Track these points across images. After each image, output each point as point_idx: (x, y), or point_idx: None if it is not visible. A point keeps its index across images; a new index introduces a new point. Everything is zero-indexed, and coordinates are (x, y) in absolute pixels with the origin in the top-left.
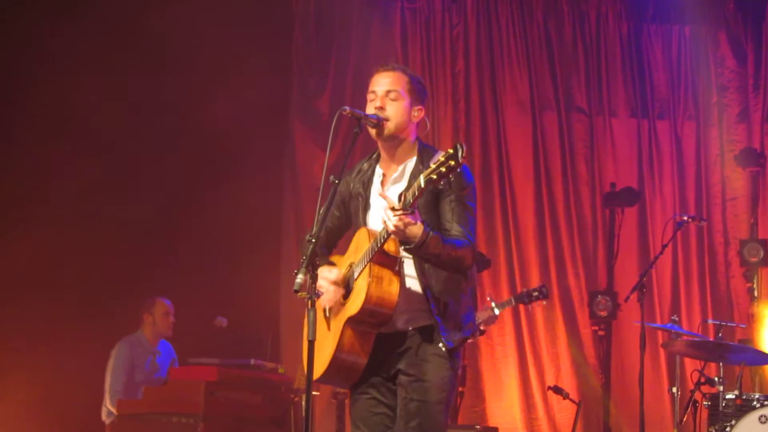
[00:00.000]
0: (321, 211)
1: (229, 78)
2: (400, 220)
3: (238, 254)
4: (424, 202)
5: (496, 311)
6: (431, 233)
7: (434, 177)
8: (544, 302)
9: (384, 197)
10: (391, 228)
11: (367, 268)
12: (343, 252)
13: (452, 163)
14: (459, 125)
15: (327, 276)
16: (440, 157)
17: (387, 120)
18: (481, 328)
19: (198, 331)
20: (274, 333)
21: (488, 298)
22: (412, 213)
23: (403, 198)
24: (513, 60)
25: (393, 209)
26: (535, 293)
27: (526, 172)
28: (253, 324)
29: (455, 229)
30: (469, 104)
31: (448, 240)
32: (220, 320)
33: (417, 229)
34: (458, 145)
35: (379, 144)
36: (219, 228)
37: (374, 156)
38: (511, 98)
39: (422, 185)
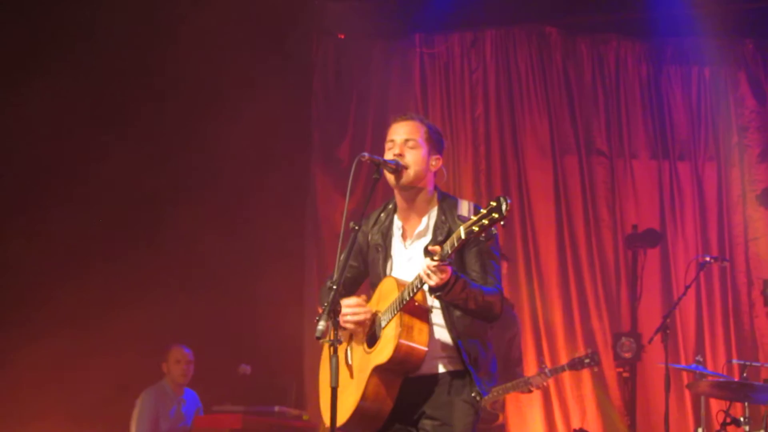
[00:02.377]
0: (341, 258)
1: (249, 124)
2: (440, 271)
3: (260, 301)
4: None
5: (549, 376)
6: (458, 276)
7: (476, 229)
8: (595, 369)
9: (433, 250)
10: (430, 280)
11: (397, 318)
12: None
13: (495, 216)
14: (479, 169)
15: (350, 302)
16: (482, 210)
17: (406, 167)
18: (531, 389)
19: (222, 379)
20: (298, 380)
21: (543, 365)
22: (450, 264)
23: (440, 249)
24: (533, 103)
25: (432, 259)
26: (587, 360)
27: (547, 215)
28: (277, 371)
29: (483, 279)
30: (490, 148)
31: (475, 285)
32: (243, 368)
33: (447, 275)
34: (502, 198)
35: (397, 193)
36: (241, 275)
37: (390, 206)
38: (531, 142)
39: (462, 237)
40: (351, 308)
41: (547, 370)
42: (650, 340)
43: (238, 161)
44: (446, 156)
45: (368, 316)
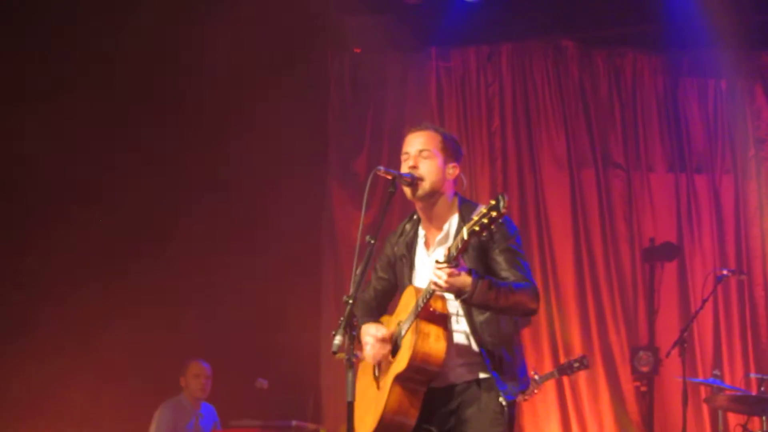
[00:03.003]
0: (357, 272)
1: (265, 138)
2: (446, 273)
3: (278, 315)
4: (473, 257)
5: (539, 383)
6: (481, 279)
7: (477, 228)
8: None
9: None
10: (440, 283)
11: (413, 325)
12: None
13: (494, 213)
14: (496, 183)
15: (374, 333)
16: (482, 209)
17: (421, 179)
18: (524, 398)
19: (239, 393)
20: (315, 394)
21: (532, 371)
22: (456, 266)
23: (447, 252)
24: (549, 117)
25: (437, 262)
26: (576, 364)
27: (564, 228)
28: (294, 385)
29: (513, 276)
30: (506, 162)
31: (503, 283)
32: (260, 382)
33: (465, 278)
34: (500, 196)
35: (417, 205)
36: (259, 289)
37: (415, 217)
38: (548, 155)
39: (465, 237)
40: (372, 338)
41: (537, 377)
42: (668, 354)
43: (255, 175)
44: (462, 168)
45: (384, 352)
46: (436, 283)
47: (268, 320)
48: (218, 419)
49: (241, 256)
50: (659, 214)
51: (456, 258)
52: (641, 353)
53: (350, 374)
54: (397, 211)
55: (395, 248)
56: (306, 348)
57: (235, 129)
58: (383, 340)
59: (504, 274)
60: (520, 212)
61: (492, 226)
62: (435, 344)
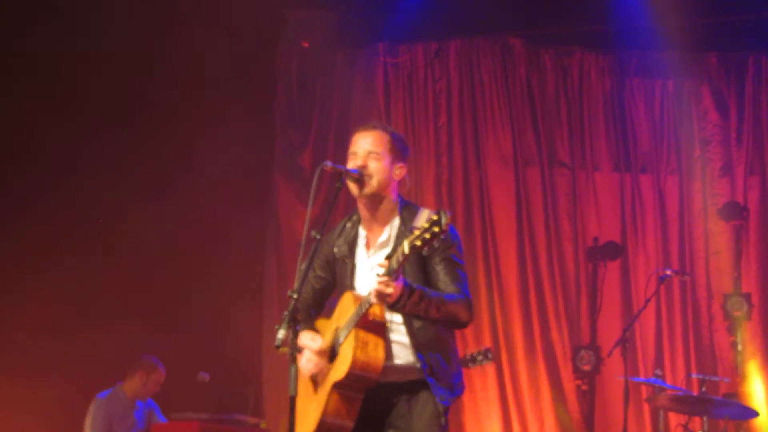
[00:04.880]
0: (302, 267)
1: (211, 132)
2: (386, 286)
3: (220, 309)
4: (413, 262)
5: None
6: (413, 290)
7: (418, 243)
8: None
9: (381, 266)
10: (381, 292)
11: (352, 333)
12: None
13: (436, 229)
14: (442, 179)
15: (310, 345)
16: (424, 222)
17: (369, 176)
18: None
19: (181, 387)
20: (256, 388)
21: None
22: (396, 278)
23: (387, 264)
24: (496, 114)
25: (378, 276)
26: (480, 357)
27: (509, 226)
28: (236, 379)
29: (448, 288)
30: (452, 159)
31: (435, 294)
32: (202, 375)
33: (398, 291)
34: (441, 212)
35: (360, 203)
36: (202, 283)
37: (355, 216)
38: (494, 152)
39: (406, 251)
40: (308, 353)
41: None
42: (610, 353)
43: (198, 169)
44: (408, 167)
45: (319, 368)
46: (376, 295)
47: (210, 313)
48: (157, 407)
49: (184, 249)
50: (604, 213)
51: (396, 271)
52: (583, 352)
53: (293, 368)
54: (342, 207)
55: (336, 248)
56: (248, 342)
57: (180, 124)
58: (320, 353)
59: (440, 285)
60: (465, 209)
61: (434, 242)
62: (373, 353)
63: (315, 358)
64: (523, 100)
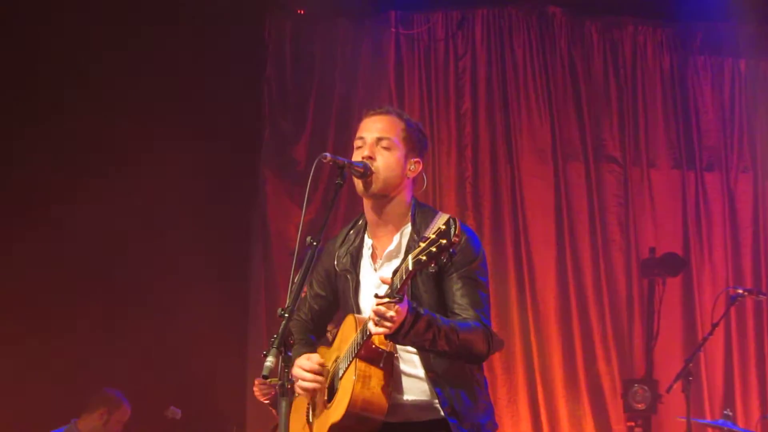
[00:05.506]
0: (296, 280)
1: (189, 114)
2: (387, 310)
3: (196, 330)
4: (426, 280)
5: None
6: (419, 314)
7: (423, 258)
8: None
9: (384, 280)
10: (381, 322)
11: (352, 366)
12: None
13: (443, 242)
14: (465, 177)
15: (303, 364)
16: (431, 233)
17: (378, 171)
18: None
19: (147, 425)
20: (238, 427)
21: None
22: (400, 301)
23: (390, 284)
24: (531, 98)
25: (377, 296)
26: None
27: (546, 234)
28: (214, 415)
29: (466, 312)
30: (478, 152)
31: (446, 321)
32: (173, 411)
33: (401, 317)
34: (451, 221)
35: (366, 205)
36: (174, 298)
37: (360, 222)
38: (528, 145)
39: (410, 268)
40: (305, 371)
41: None
42: (669, 389)
43: (170, 159)
44: (426, 161)
45: (315, 386)
46: (375, 322)
47: (184, 336)
48: None
49: (152, 258)
50: (662, 219)
51: (400, 290)
52: (636, 387)
53: (284, 403)
54: (344, 210)
55: (337, 261)
56: (229, 371)
57: (151, 105)
58: (314, 371)
59: (456, 308)
60: (493, 213)
61: (441, 257)
62: (377, 389)
63: (309, 376)
64: (564, 81)
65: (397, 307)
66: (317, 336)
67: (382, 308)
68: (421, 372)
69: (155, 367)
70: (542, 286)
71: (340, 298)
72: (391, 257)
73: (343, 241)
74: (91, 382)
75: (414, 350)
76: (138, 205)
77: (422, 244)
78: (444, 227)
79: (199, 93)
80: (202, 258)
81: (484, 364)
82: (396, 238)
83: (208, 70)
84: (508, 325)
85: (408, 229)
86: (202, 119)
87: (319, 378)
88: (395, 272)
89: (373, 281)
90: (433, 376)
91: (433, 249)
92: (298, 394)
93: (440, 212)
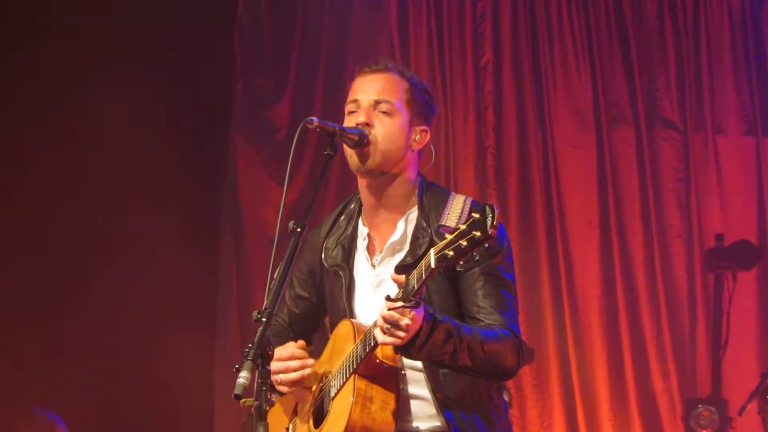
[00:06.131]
0: (276, 275)
1: (146, 75)
2: (400, 317)
3: (153, 337)
4: (436, 277)
5: None
6: (437, 321)
7: (450, 254)
8: None
9: (396, 280)
10: (392, 331)
11: (349, 384)
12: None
13: (477, 234)
14: (485, 147)
15: (280, 354)
16: (461, 224)
17: (376, 141)
18: None
19: None
20: None
21: None
22: (417, 305)
23: (405, 285)
24: (567, 48)
25: (388, 299)
26: None
27: (587, 218)
28: None
29: (490, 317)
30: (501, 116)
31: (467, 329)
32: None
33: (416, 326)
34: (487, 208)
35: (362, 184)
36: (126, 296)
37: (352, 205)
38: (564, 107)
39: (432, 265)
40: (281, 363)
41: None
42: (741, 411)
43: (124, 125)
44: (436, 126)
45: (304, 372)
46: (382, 329)
47: (139, 343)
48: None
49: (99, 246)
50: (731, 198)
51: (417, 293)
52: (701, 408)
53: (261, 428)
54: (335, 188)
55: (324, 254)
56: (193, 387)
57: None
58: (301, 356)
59: (476, 311)
60: (521, 191)
61: (473, 253)
62: (379, 414)
63: (293, 364)
64: (608, 26)
65: (412, 313)
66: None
67: (394, 314)
68: (426, 393)
69: (104, 383)
70: (582, 282)
71: (327, 299)
72: (394, 250)
73: (330, 230)
74: (21, 397)
75: (419, 366)
76: (82, 183)
77: (449, 237)
78: (478, 216)
79: (156, 38)
80: (159, 246)
81: (510, 381)
82: (400, 225)
83: (169, 7)
84: (540, 331)
85: (414, 213)
86: (159, 70)
87: (309, 362)
88: (407, 267)
89: (371, 279)
90: (441, 397)
91: (464, 243)
92: (282, 394)
93: (454, 193)
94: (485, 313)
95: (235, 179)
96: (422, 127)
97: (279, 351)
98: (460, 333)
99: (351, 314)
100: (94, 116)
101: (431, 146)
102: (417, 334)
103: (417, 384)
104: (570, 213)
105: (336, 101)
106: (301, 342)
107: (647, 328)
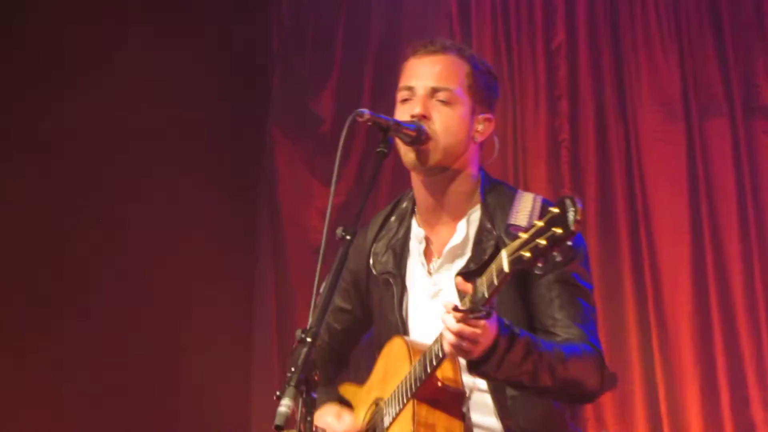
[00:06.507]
0: (323, 290)
1: (173, 62)
2: (471, 330)
3: (183, 358)
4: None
5: None
6: (515, 335)
7: (526, 255)
8: None
9: (462, 287)
10: (457, 344)
11: (408, 411)
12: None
13: (558, 231)
14: (559, 141)
15: (334, 427)
16: (536, 220)
17: (432, 138)
18: None
19: None
20: None
21: None
22: (488, 316)
23: (472, 291)
24: (652, 30)
25: (456, 310)
26: None
27: (676, 220)
28: None
29: (567, 330)
30: (577, 105)
31: (548, 344)
32: None
33: (489, 339)
34: (567, 201)
35: (417, 181)
36: (154, 315)
37: (404, 204)
38: (650, 93)
39: (506, 269)
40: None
41: None
42: None
43: (161, 132)
44: (502, 116)
45: None
46: (451, 344)
47: (163, 368)
48: None
49: (123, 257)
50: None
51: (488, 301)
52: None
53: None
54: (386, 190)
55: (373, 260)
56: (227, 416)
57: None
58: None
59: (550, 323)
60: (601, 192)
61: (555, 253)
62: None
63: None
64: (699, 3)
65: (483, 323)
66: (337, 367)
67: (464, 327)
68: (494, 421)
69: (127, 407)
70: (671, 297)
71: (374, 312)
72: (455, 255)
73: (379, 232)
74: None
75: (485, 388)
76: (107, 183)
77: (523, 236)
78: (557, 210)
79: (180, 11)
80: (188, 256)
81: (589, 410)
82: (461, 227)
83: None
84: (624, 353)
85: (477, 213)
86: (184, 50)
87: None
88: (474, 274)
89: (427, 288)
90: (511, 425)
91: (542, 242)
92: None
93: (521, 191)
94: (561, 326)
95: (274, 179)
96: (485, 116)
97: (335, 423)
98: (540, 349)
99: (404, 328)
100: (118, 105)
101: (495, 137)
102: (494, 350)
103: (482, 409)
104: (657, 217)
105: (387, 89)
106: (362, 420)
107: (746, 351)
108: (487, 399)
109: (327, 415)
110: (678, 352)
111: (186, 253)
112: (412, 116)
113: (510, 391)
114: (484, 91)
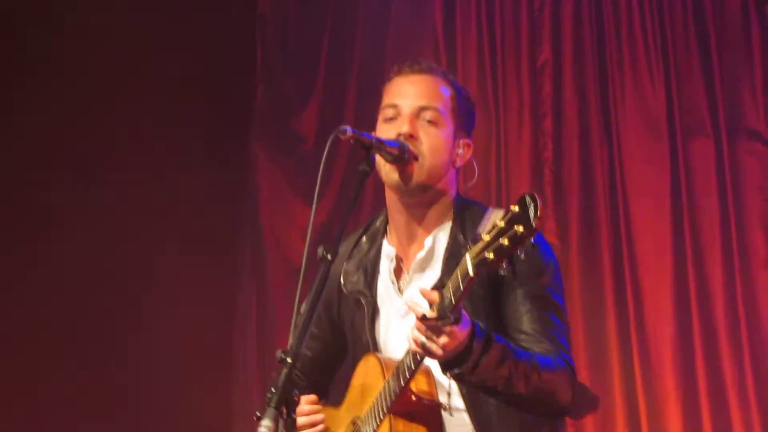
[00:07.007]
0: (303, 310)
1: (160, 84)
2: (436, 335)
3: (163, 382)
4: (476, 299)
5: None
6: (491, 339)
7: (490, 257)
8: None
9: (428, 297)
10: (430, 348)
11: (385, 425)
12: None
13: (520, 229)
14: (543, 160)
15: (303, 410)
16: (498, 220)
17: (422, 156)
18: None
19: None
20: None
21: None
22: (456, 322)
23: (439, 299)
24: (638, 47)
25: (424, 319)
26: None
27: (658, 241)
28: None
29: (538, 345)
30: (561, 124)
31: (523, 353)
32: None
33: (458, 344)
34: (527, 198)
35: (392, 200)
36: (133, 332)
37: (377, 223)
38: (634, 114)
39: (470, 272)
40: (306, 416)
41: None
42: None
43: (127, 135)
44: (483, 135)
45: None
46: (420, 350)
47: (143, 385)
48: None
49: (102, 279)
50: None
51: (455, 307)
52: None
53: None
54: (369, 209)
55: (344, 279)
56: None
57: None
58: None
59: (522, 338)
60: (584, 211)
61: (517, 251)
62: None
63: (316, 418)
64: (685, 22)
65: (451, 328)
66: (317, 393)
67: (427, 332)
68: (471, 429)
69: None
70: (653, 317)
71: (347, 333)
72: (422, 267)
73: (351, 252)
74: None
75: (462, 407)
76: (93, 209)
77: (486, 237)
78: (516, 208)
79: (174, 40)
80: (167, 274)
81: (570, 429)
82: (428, 241)
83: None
84: (605, 375)
85: (446, 229)
86: (168, 67)
87: (318, 417)
88: (442, 281)
89: (398, 307)
90: None
91: (504, 242)
92: None
93: (492, 207)
94: (532, 340)
95: (256, 197)
96: (465, 141)
97: (303, 407)
98: (516, 356)
99: (375, 348)
100: (93, 120)
101: (474, 162)
102: (468, 353)
103: (459, 424)
104: (639, 238)
105: (371, 108)
106: (311, 396)
107: (727, 375)
108: (465, 418)
109: (300, 407)
110: (660, 375)
111: (167, 272)
112: (399, 134)
113: (486, 399)
114: (465, 116)
